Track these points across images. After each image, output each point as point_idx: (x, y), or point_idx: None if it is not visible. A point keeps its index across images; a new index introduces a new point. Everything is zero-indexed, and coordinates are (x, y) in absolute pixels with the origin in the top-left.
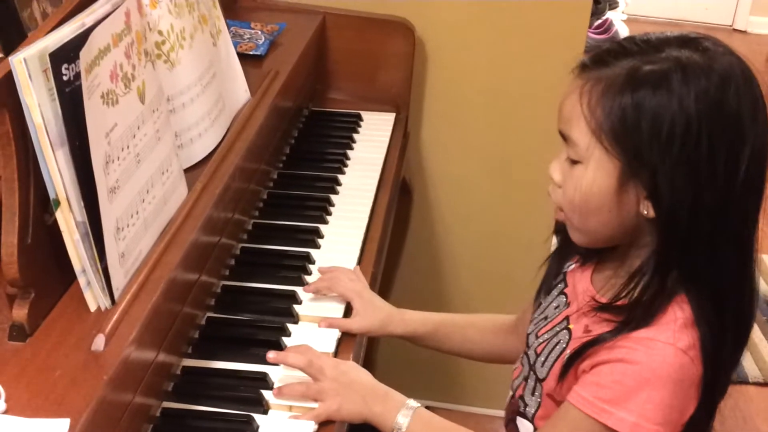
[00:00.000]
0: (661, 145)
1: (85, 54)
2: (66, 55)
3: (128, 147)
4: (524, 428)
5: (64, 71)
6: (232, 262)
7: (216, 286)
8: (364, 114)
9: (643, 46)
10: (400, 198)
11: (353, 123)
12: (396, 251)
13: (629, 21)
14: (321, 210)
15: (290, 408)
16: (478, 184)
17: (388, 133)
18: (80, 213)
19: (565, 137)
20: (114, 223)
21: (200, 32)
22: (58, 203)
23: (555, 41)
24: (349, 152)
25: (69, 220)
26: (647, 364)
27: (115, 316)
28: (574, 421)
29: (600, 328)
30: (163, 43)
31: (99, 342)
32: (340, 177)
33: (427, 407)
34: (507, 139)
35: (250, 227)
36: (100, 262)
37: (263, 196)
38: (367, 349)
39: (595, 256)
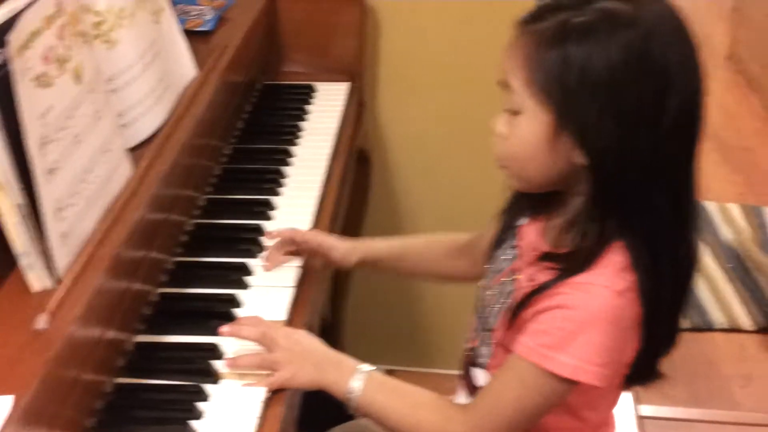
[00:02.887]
0: (588, 96)
1: (15, 38)
2: None
3: (66, 128)
4: (479, 378)
5: None
6: (186, 238)
7: (168, 262)
8: (318, 85)
9: (576, 0)
10: (359, 167)
11: (306, 95)
12: (358, 220)
13: None
14: (274, 183)
15: (242, 377)
16: (435, 146)
17: (341, 103)
18: (18, 195)
19: (504, 89)
20: (54, 203)
21: (141, 11)
22: None
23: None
24: (302, 124)
25: (6, 204)
26: (585, 308)
27: (58, 295)
28: (520, 369)
29: (543, 277)
30: (102, 23)
31: (41, 321)
32: (293, 149)
33: (389, 371)
34: (460, 100)
35: (203, 203)
36: (41, 243)
37: (217, 171)
38: (333, 319)
39: (544, 209)
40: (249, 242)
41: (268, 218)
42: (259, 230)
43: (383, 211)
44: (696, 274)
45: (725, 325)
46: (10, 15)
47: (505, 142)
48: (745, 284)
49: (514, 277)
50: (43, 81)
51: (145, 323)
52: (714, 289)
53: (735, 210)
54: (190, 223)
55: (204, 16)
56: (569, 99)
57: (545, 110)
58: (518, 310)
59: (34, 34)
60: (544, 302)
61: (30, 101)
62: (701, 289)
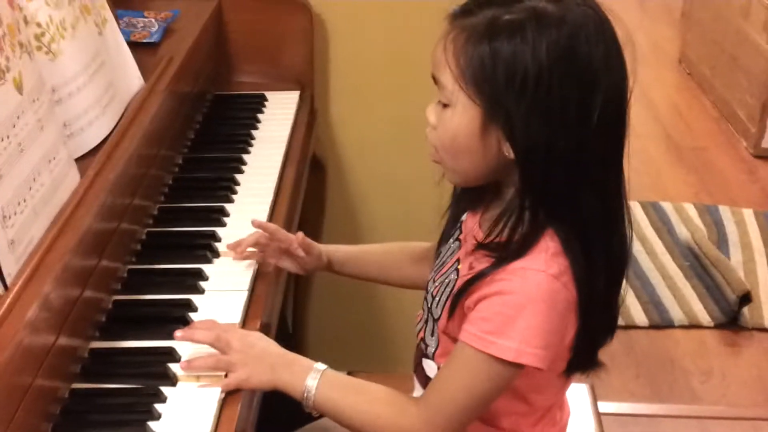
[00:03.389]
0: (515, 92)
1: None
2: None
3: (8, 137)
4: (429, 368)
5: None
6: (138, 246)
7: (121, 271)
8: (269, 94)
9: None
10: (314, 174)
11: (258, 104)
12: (316, 226)
13: None
14: (227, 190)
15: (198, 379)
16: (388, 150)
17: (293, 111)
18: None
19: (435, 81)
20: (0, 210)
21: (83, 22)
22: None
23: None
24: (254, 132)
25: None
26: (522, 292)
27: (8, 301)
28: (466, 357)
29: (481, 265)
30: (43, 34)
31: None
32: (245, 157)
33: (350, 374)
34: (411, 103)
35: (155, 212)
36: None
37: (168, 180)
38: (294, 324)
39: (482, 201)
40: (203, 248)
41: (221, 224)
42: (213, 236)
43: (340, 216)
44: (630, 269)
45: (685, 322)
46: None
47: (435, 133)
48: (703, 281)
49: (457, 267)
50: None
51: (99, 330)
52: (673, 287)
53: (690, 209)
54: (142, 232)
55: (150, 28)
56: (497, 94)
57: (474, 104)
58: (458, 298)
59: None
60: (483, 290)
61: None
62: (661, 287)
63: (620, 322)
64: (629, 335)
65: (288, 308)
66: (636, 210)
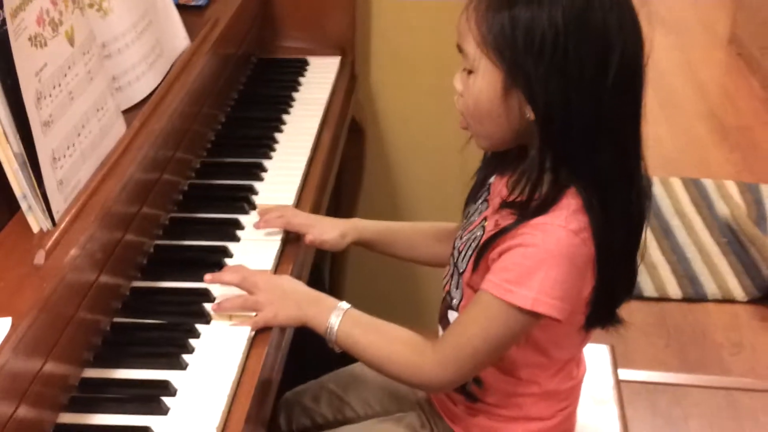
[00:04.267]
0: (534, 55)
1: (8, 1)
2: None
3: (60, 85)
4: (452, 319)
5: None
6: (180, 197)
7: (163, 217)
8: (311, 59)
9: None
10: (352, 137)
11: (299, 68)
12: (354, 190)
13: None
14: (266, 147)
15: (230, 318)
16: (425, 116)
17: (333, 76)
18: (17, 144)
19: (460, 49)
20: (50, 153)
21: None
22: None
23: None
24: (295, 94)
25: (7, 151)
26: (543, 246)
27: (55, 235)
28: (485, 303)
29: (507, 222)
30: None
31: (40, 256)
32: (285, 117)
33: None
34: (448, 71)
35: (197, 165)
36: (39, 188)
37: (211, 137)
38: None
39: (510, 164)
40: (241, 200)
41: (259, 179)
42: (251, 189)
43: (378, 181)
44: (667, 242)
45: (718, 296)
46: None
47: (462, 99)
48: (739, 257)
49: (483, 224)
50: (37, 41)
51: (140, 270)
52: (708, 262)
53: (732, 187)
54: (185, 183)
55: None
56: (517, 57)
57: (496, 68)
58: (483, 252)
59: None
60: (507, 242)
61: (25, 59)
62: (696, 262)
63: (653, 293)
64: (661, 307)
65: (325, 266)
66: (677, 186)
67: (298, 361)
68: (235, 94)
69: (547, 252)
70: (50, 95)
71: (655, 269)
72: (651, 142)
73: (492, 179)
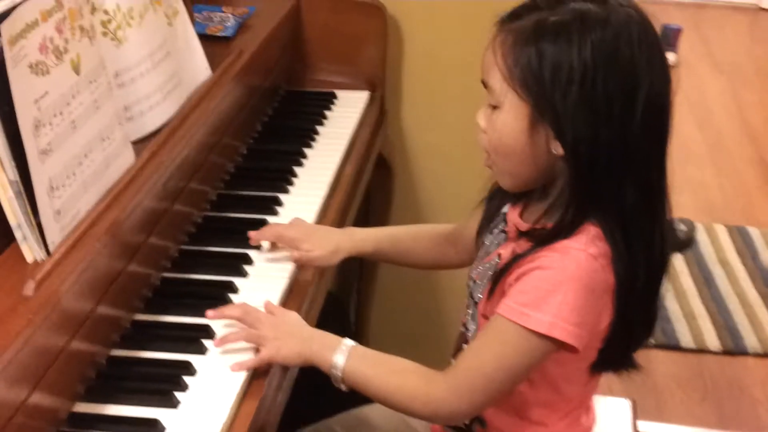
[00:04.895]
0: (561, 90)
1: (8, 27)
2: None
3: (61, 113)
4: None
5: None
6: (193, 229)
7: (172, 249)
8: (340, 92)
9: (551, 1)
10: (379, 173)
11: (327, 101)
12: (381, 224)
13: (646, 2)
14: (284, 181)
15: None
16: (455, 153)
17: (360, 111)
18: (12, 172)
19: (485, 85)
20: (47, 182)
21: (152, 12)
22: None
23: None
24: (319, 128)
25: (2, 180)
26: (561, 268)
27: (48, 266)
28: (500, 328)
29: (524, 249)
30: (109, 21)
31: (29, 287)
32: (307, 150)
33: None
34: (479, 107)
35: (214, 197)
36: (34, 217)
37: (230, 168)
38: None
39: (525, 195)
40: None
41: (274, 213)
42: (264, 223)
43: (406, 219)
44: (707, 292)
45: (759, 350)
46: (8, 7)
47: (486, 136)
48: None
49: (499, 253)
50: (38, 69)
51: (144, 302)
52: (750, 314)
53: None
54: (199, 215)
55: (225, 22)
56: (544, 92)
57: (523, 103)
58: (499, 278)
59: (30, 26)
60: (524, 266)
61: (23, 87)
62: (737, 313)
63: (691, 344)
64: (700, 359)
65: (351, 301)
66: (721, 234)
67: (304, 400)
68: (259, 126)
69: (565, 275)
70: (50, 123)
71: (694, 319)
72: (696, 186)
73: (505, 209)
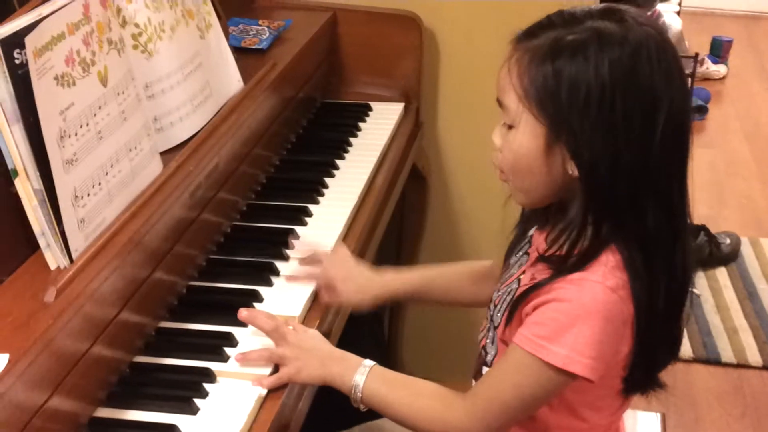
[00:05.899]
0: (579, 110)
1: (33, 40)
2: (18, 41)
3: (87, 124)
4: None
5: (16, 55)
6: (221, 238)
7: (200, 258)
8: (375, 104)
9: (567, 18)
10: (414, 184)
11: (361, 113)
12: (416, 237)
13: (686, 14)
14: (314, 191)
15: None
16: (490, 165)
17: (394, 122)
18: (37, 181)
19: (500, 104)
20: (71, 191)
21: (183, 25)
22: (16, 173)
23: None
24: (353, 139)
25: (27, 188)
26: (578, 301)
27: (70, 273)
28: (517, 359)
29: (543, 277)
30: (140, 34)
31: (50, 294)
32: (339, 162)
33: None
34: None
35: (244, 207)
36: (58, 226)
37: (261, 179)
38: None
39: (550, 218)
40: (279, 244)
41: (303, 224)
42: (293, 233)
43: (441, 229)
44: (751, 306)
45: None
46: (34, 20)
47: (500, 155)
48: None
49: (519, 277)
50: (64, 80)
51: (168, 310)
52: None
53: None
54: (227, 225)
55: (261, 35)
56: (561, 112)
57: (539, 123)
58: (516, 306)
59: (57, 38)
60: (542, 297)
61: (48, 98)
62: None
63: (732, 359)
64: (740, 374)
65: (385, 315)
66: (767, 248)
67: (322, 412)
68: (293, 137)
69: (582, 308)
70: (76, 134)
71: (735, 334)
72: (743, 200)
73: (532, 231)
